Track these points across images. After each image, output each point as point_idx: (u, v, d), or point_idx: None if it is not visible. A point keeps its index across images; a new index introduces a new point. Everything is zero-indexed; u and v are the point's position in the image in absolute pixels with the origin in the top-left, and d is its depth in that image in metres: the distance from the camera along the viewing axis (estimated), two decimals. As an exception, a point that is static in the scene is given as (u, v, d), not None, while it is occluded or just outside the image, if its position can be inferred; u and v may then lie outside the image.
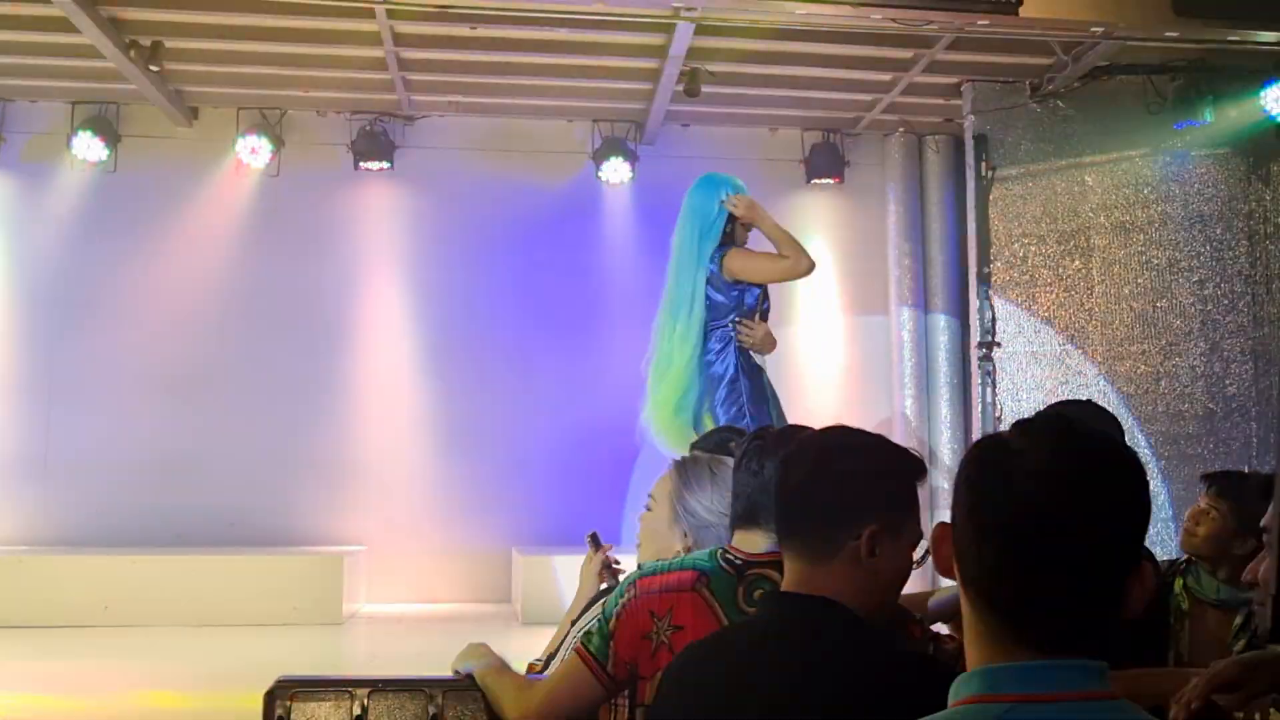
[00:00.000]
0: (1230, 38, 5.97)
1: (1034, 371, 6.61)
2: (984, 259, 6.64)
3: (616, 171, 7.17)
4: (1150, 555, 1.56)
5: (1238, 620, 2.50)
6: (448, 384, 7.21)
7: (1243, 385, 6.58)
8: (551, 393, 7.18)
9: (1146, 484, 1.16)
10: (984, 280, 6.63)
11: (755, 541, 1.88)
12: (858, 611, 1.49)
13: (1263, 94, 6.34)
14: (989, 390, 6.65)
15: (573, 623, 2.41)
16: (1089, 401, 3.13)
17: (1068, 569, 1.09)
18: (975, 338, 6.71)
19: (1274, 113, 6.36)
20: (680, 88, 6.53)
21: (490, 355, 7.24)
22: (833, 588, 1.49)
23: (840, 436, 1.64)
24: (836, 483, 1.54)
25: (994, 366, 6.63)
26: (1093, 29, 5.84)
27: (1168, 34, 5.89)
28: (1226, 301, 6.64)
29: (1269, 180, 6.72)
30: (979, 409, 6.71)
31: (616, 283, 7.26)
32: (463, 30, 6.19)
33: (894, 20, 5.71)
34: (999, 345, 6.63)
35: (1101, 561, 1.10)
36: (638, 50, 6.42)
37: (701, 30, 5.89)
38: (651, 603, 1.86)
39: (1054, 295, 6.63)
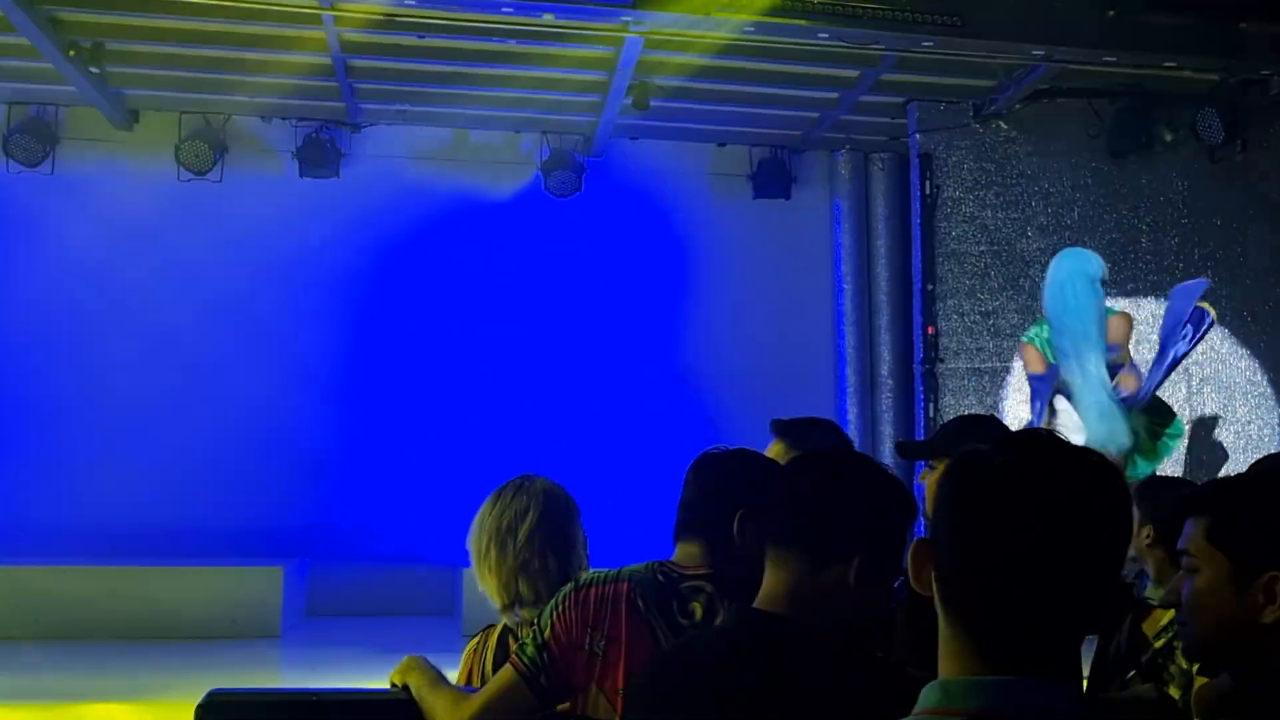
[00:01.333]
0: (1166, 64, 6.13)
1: (976, 387, 6.70)
2: (928, 276, 6.74)
3: (564, 183, 7.17)
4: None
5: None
6: (390, 395, 7.14)
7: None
8: (493, 405, 7.14)
9: (1129, 503, 1.15)
10: (928, 297, 6.72)
11: (692, 554, 1.90)
12: (826, 630, 1.49)
13: (1198, 119, 6.50)
14: (931, 405, 6.74)
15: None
16: (991, 417, 3.15)
17: (1044, 587, 1.07)
18: (918, 353, 6.80)
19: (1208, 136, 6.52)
20: (629, 101, 6.55)
21: (435, 367, 7.19)
22: (813, 604, 1.50)
23: (861, 464, 1.67)
24: (846, 504, 1.55)
25: (937, 382, 6.72)
26: (1033, 53, 5.96)
27: (1105, 59, 6.03)
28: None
29: (1186, 204, 6.86)
30: (922, 424, 6.80)
31: (564, 293, 7.27)
32: (410, 39, 6.16)
33: (841, 40, 5.79)
34: (941, 361, 6.72)
35: (1080, 581, 1.09)
36: (587, 63, 6.42)
37: (650, 44, 5.92)
38: (586, 614, 1.86)
39: (996, 312, 6.74)
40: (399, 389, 7.15)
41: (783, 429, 3.26)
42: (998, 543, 1.07)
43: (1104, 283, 5.22)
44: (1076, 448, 1.14)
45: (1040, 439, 1.15)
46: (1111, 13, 5.89)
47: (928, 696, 1.07)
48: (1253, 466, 1.89)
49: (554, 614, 1.90)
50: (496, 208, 7.38)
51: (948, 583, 1.11)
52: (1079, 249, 5.68)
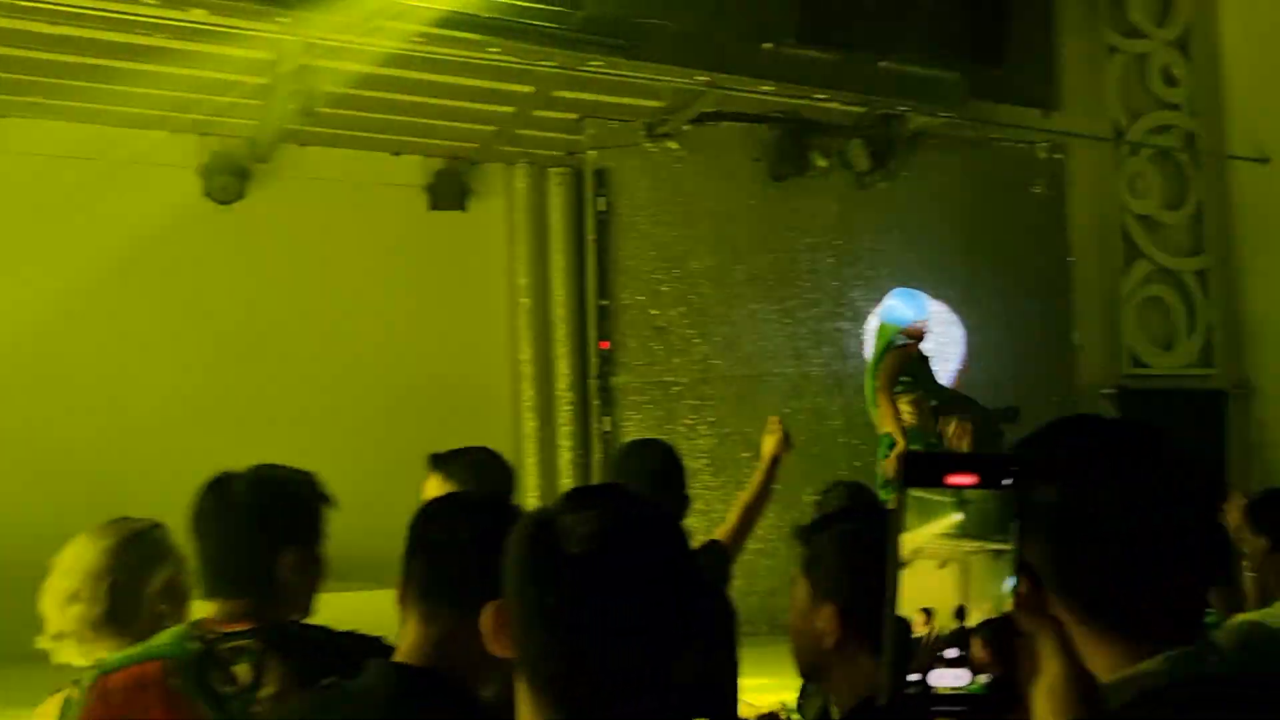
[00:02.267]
0: (817, 96, 6.52)
1: (651, 401, 6.87)
2: (602, 291, 6.83)
3: (226, 189, 6.73)
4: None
5: None
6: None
7: (831, 416, 7.17)
8: (122, 427, 6.58)
9: (690, 550, 1.17)
10: (602, 312, 6.82)
11: (227, 610, 1.72)
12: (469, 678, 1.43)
13: (846, 148, 6.99)
14: (608, 420, 6.84)
15: None
16: (659, 442, 3.22)
17: (621, 643, 1.08)
18: (594, 369, 6.89)
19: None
20: (295, 106, 6.23)
21: (65, 376, 6.54)
22: (463, 655, 1.41)
23: (495, 505, 1.64)
24: (479, 548, 1.45)
25: (612, 397, 6.83)
26: (696, 79, 6.18)
27: (762, 89, 6.33)
28: (818, 336, 7.22)
29: (839, 226, 7.36)
30: (598, 439, 6.89)
31: (224, 303, 6.82)
32: (43, 26, 5.57)
33: (511, 55, 5.75)
34: (616, 375, 6.84)
35: (655, 633, 1.10)
36: (249, 66, 6.04)
37: (318, 50, 5.65)
38: (113, 710, 1.63)
39: (668, 328, 6.93)
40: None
41: (436, 463, 3.16)
42: (567, 600, 1.08)
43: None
44: (642, 498, 1.17)
45: (603, 494, 1.18)
46: (767, 45, 6.21)
47: None
48: None
49: (79, 715, 1.65)
50: (149, 213, 6.80)
51: (520, 641, 1.11)
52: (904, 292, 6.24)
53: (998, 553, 0.83)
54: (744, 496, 3.36)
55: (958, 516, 0.84)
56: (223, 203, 6.81)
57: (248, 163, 6.89)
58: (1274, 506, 3.34)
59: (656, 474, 2.95)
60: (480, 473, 2.75)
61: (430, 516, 1.59)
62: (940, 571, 0.84)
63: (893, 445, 6.42)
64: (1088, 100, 8.16)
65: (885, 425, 6.32)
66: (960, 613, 0.84)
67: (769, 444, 3.43)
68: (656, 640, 1.11)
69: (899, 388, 6.49)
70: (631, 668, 1.09)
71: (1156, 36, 8.39)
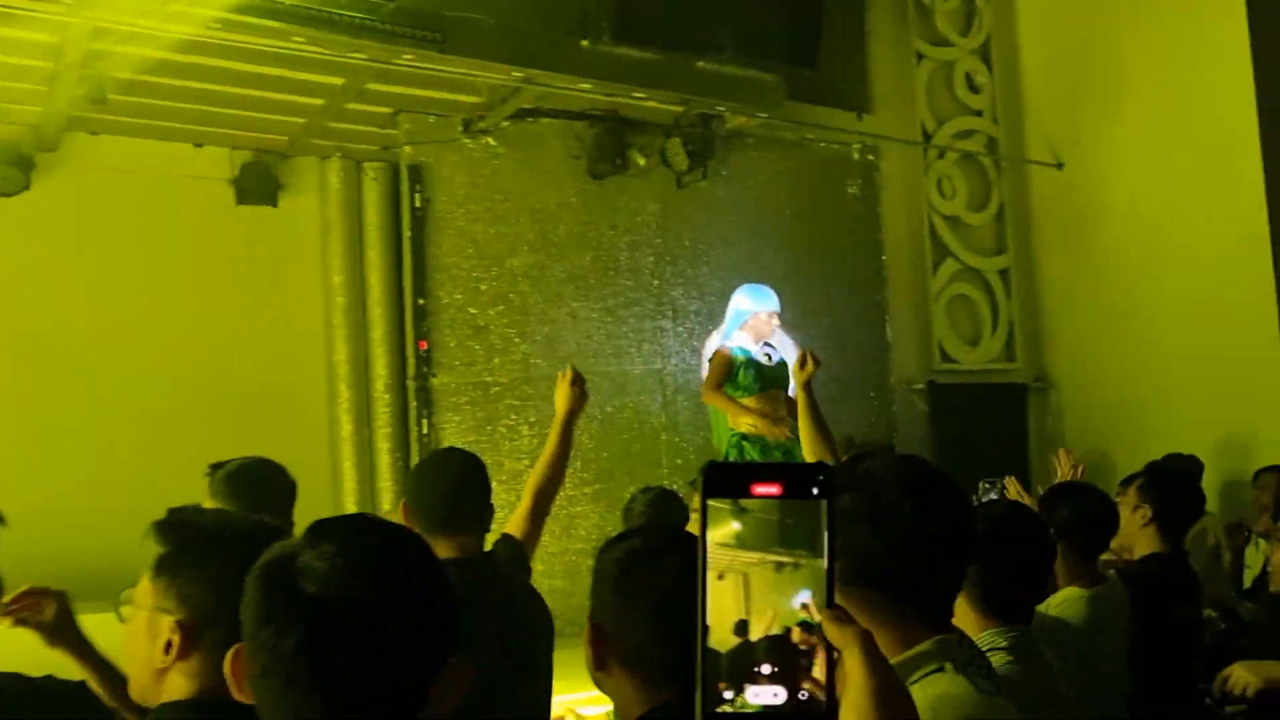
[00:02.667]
0: (635, 94, 6.52)
1: (470, 401, 6.75)
2: (419, 290, 6.67)
3: (7, 179, 6.27)
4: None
5: None
6: None
7: (652, 415, 7.20)
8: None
9: (441, 577, 1.12)
10: (420, 311, 6.66)
11: None
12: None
13: (665, 147, 7.02)
14: (425, 421, 6.69)
15: None
16: (458, 452, 3.12)
17: (368, 674, 1.02)
18: (411, 368, 6.72)
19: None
20: (83, 93, 5.84)
21: None
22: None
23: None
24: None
25: (430, 397, 6.68)
26: (513, 74, 6.09)
27: (580, 86, 6.29)
28: (639, 336, 7.24)
29: (659, 225, 7.39)
30: (417, 441, 6.73)
31: (4, 301, 6.35)
32: None
33: (318, 46, 5.54)
34: (435, 376, 6.69)
35: (402, 674, 1.05)
36: (30, 48, 5.63)
37: (104, 35, 5.31)
38: None
39: (487, 327, 6.82)
40: None
41: (211, 475, 2.99)
42: (309, 636, 1.05)
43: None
44: (385, 524, 1.14)
45: (344, 525, 1.13)
46: (585, 42, 6.17)
47: None
48: None
49: None
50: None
51: (260, 679, 1.08)
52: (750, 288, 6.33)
53: (779, 565, 0.80)
54: (535, 472, 3.22)
55: (735, 526, 0.80)
56: (4, 194, 6.34)
57: (32, 152, 6.44)
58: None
59: (454, 485, 2.86)
60: (253, 488, 2.62)
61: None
62: (719, 584, 0.80)
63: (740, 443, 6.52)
64: (898, 104, 8.45)
65: (737, 424, 6.36)
66: (741, 627, 0.80)
67: (561, 395, 3.32)
68: (404, 679, 1.05)
69: (739, 390, 6.51)
70: (378, 712, 1.04)
71: (961, 45, 8.75)
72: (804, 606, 0.80)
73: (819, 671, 0.79)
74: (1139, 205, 8.03)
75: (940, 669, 1.45)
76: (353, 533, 1.09)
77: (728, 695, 0.79)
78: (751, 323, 6.49)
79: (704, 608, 0.80)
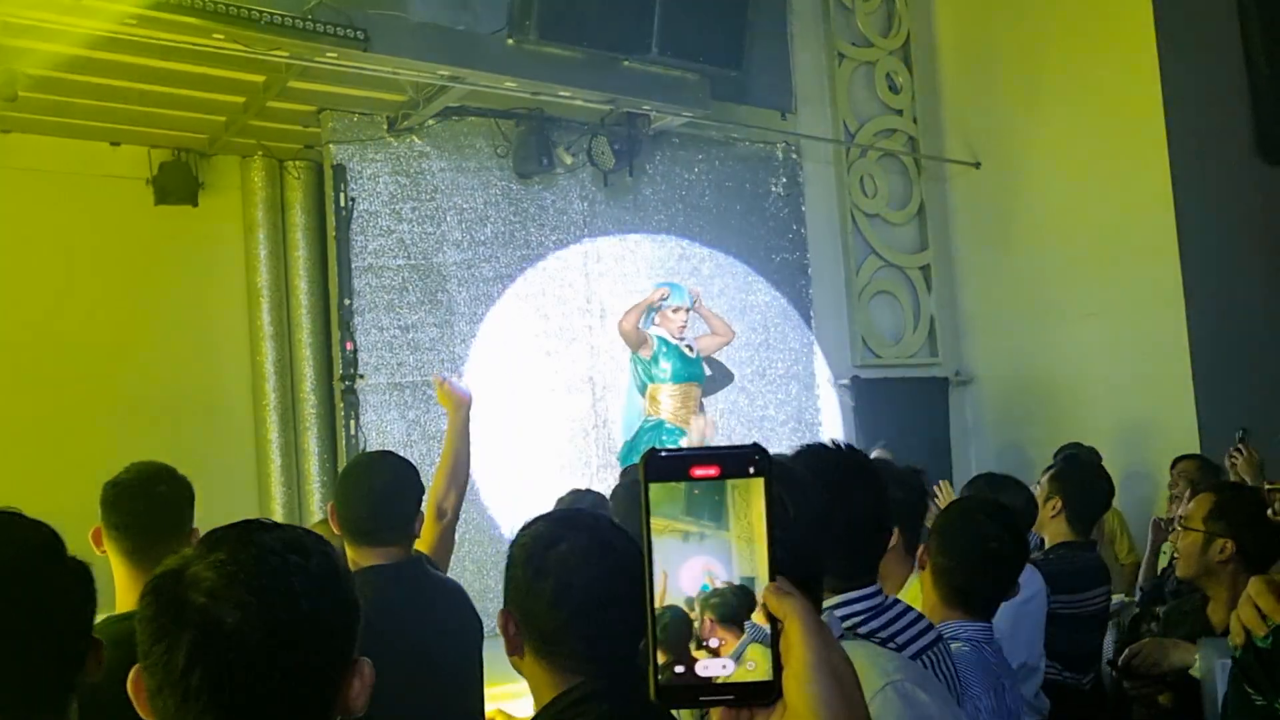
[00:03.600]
0: (561, 94, 6.52)
1: (397, 402, 6.69)
2: (345, 290, 6.60)
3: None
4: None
5: None
6: None
7: (582, 413, 7.22)
8: None
9: (345, 578, 1.09)
10: (345, 311, 6.59)
11: None
12: None
13: (592, 145, 7.05)
14: (353, 423, 6.63)
15: None
16: (388, 456, 3.09)
17: (264, 684, 1.00)
18: (338, 369, 6.65)
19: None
20: (-8, 90, 5.68)
21: None
22: None
23: None
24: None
25: (357, 399, 6.62)
26: (439, 73, 6.05)
27: (506, 85, 6.28)
28: (567, 334, 7.25)
29: (586, 223, 7.42)
30: (344, 442, 6.66)
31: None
32: None
33: (238, 43, 5.46)
34: (362, 377, 6.63)
35: (311, 665, 1.03)
36: (-67, 43, 5.48)
37: (12, 30, 5.17)
38: None
39: (415, 326, 6.77)
40: None
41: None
42: (212, 651, 1.04)
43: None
44: (276, 524, 1.11)
45: (232, 535, 1.09)
46: (510, 40, 6.16)
47: None
48: None
49: None
50: None
51: (162, 700, 1.04)
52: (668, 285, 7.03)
53: (686, 534, 0.82)
54: (433, 486, 3.16)
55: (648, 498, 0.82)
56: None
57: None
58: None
59: (379, 494, 2.80)
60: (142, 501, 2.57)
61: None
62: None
63: (655, 429, 6.67)
64: (821, 104, 8.56)
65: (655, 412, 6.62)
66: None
67: (444, 400, 3.35)
68: (303, 687, 1.03)
69: (657, 379, 6.73)
70: (295, 693, 1.03)
71: (881, 45, 8.90)
72: (709, 575, 0.82)
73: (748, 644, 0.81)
74: (1054, 203, 8.25)
75: (842, 637, 1.55)
76: (245, 540, 1.06)
77: (678, 670, 0.81)
78: (659, 319, 6.66)
79: (652, 586, 0.82)
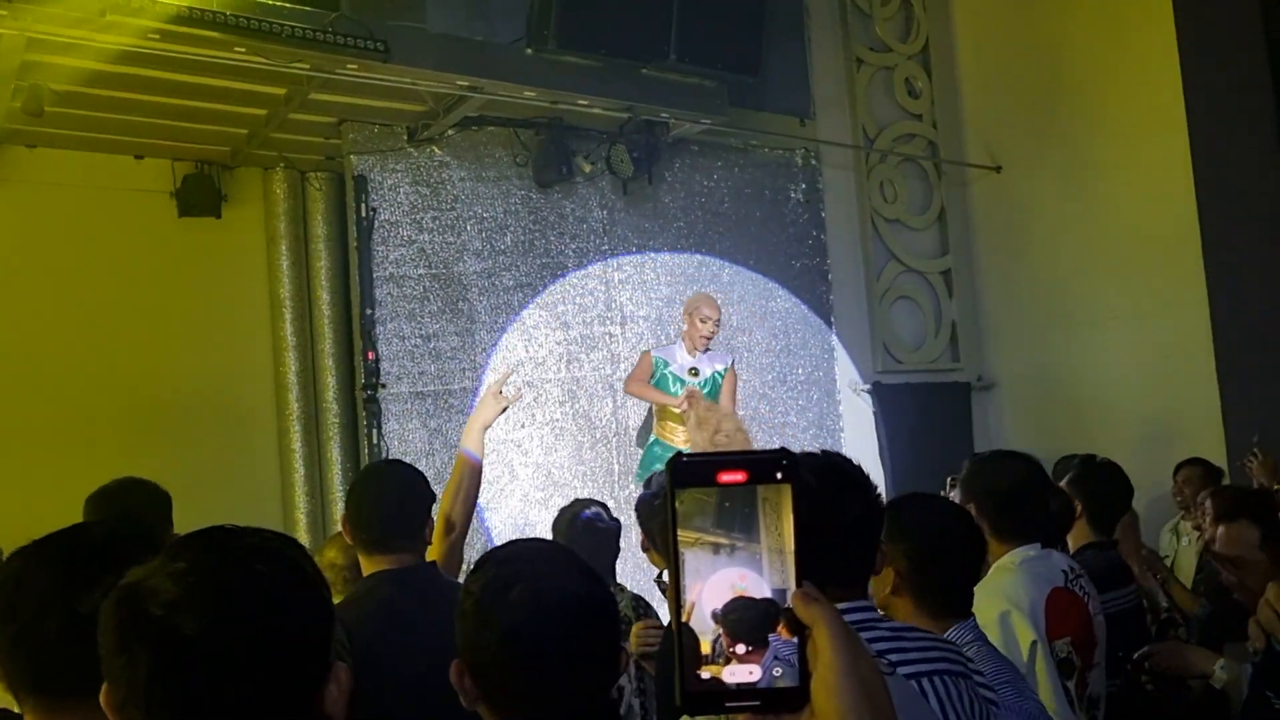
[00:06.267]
0: (580, 102, 6.55)
1: (419, 411, 6.72)
2: (367, 300, 6.64)
3: (-58, 195, 6.17)
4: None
5: None
6: None
7: (603, 421, 7.23)
8: None
9: (314, 584, 1.07)
10: (367, 321, 6.63)
11: None
12: None
13: (610, 153, 7.07)
14: (375, 432, 6.66)
15: None
16: (399, 465, 3.11)
17: (243, 687, 0.99)
18: (360, 379, 6.69)
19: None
20: (18, 105, 5.75)
21: None
22: None
23: None
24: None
25: (379, 408, 6.65)
26: (458, 83, 6.09)
27: (525, 94, 6.31)
28: (588, 342, 7.26)
29: (606, 231, 7.43)
30: (366, 451, 6.69)
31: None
32: None
33: (260, 56, 5.50)
34: (384, 386, 6.66)
35: (278, 673, 1.02)
36: (-40, 60, 5.55)
37: (39, 47, 5.24)
38: None
39: (436, 335, 6.80)
40: None
41: None
42: (173, 661, 1.02)
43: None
44: (243, 531, 1.10)
45: (191, 543, 1.08)
46: (529, 50, 6.19)
47: None
48: None
49: None
50: None
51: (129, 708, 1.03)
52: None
53: (716, 547, 0.81)
54: (443, 498, 3.16)
55: (681, 508, 0.82)
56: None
57: (-33, 166, 6.34)
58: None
59: (389, 503, 2.82)
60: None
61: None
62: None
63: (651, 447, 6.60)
64: (839, 110, 8.56)
65: (661, 432, 6.52)
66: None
67: (491, 409, 3.38)
68: (271, 698, 1.01)
69: (676, 385, 6.61)
70: (264, 699, 1.01)
71: (900, 51, 8.88)
72: (737, 589, 0.81)
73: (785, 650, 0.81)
74: (1076, 205, 8.21)
75: None
76: (209, 548, 1.04)
77: (705, 676, 0.81)
78: (686, 326, 6.56)
79: (679, 591, 0.82)
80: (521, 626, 1.45)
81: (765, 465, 0.82)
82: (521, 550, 1.64)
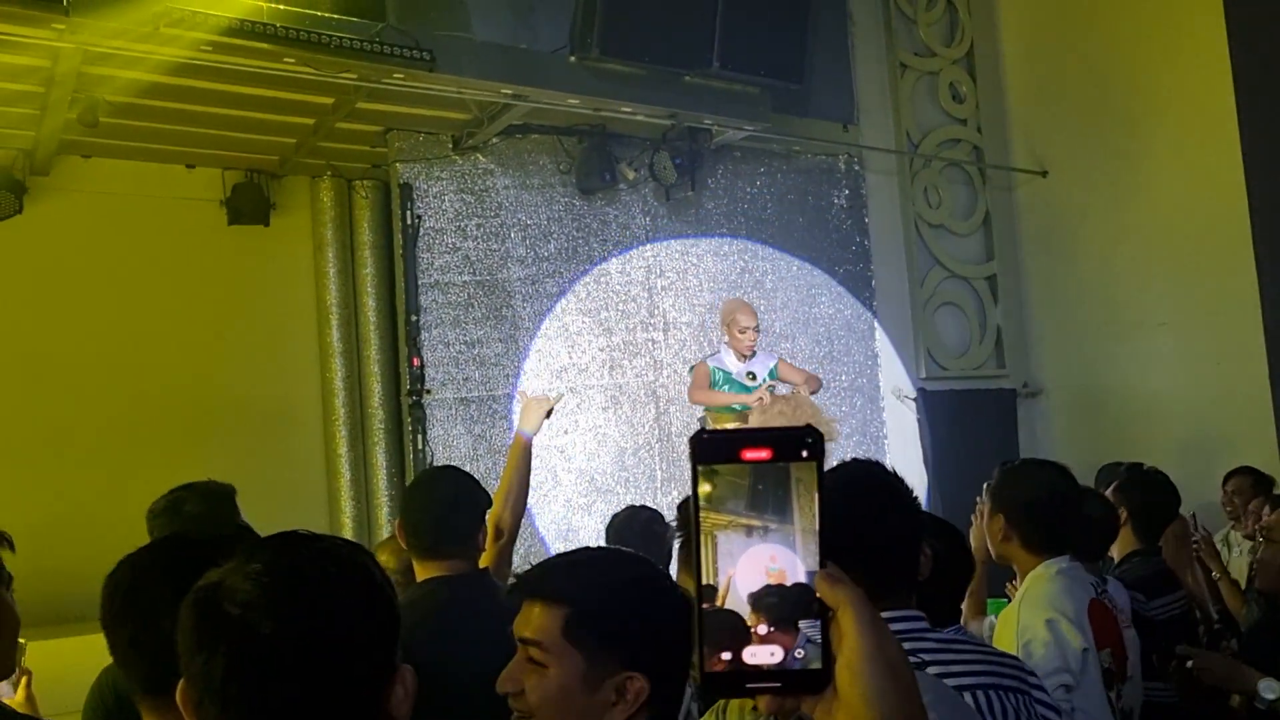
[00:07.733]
0: (623, 110, 6.57)
1: (464, 417, 6.78)
2: (412, 306, 6.71)
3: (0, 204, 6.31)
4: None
5: None
6: None
7: (645, 427, 7.24)
8: None
9: (382, 588, 1.10)
10: (412, 327, 6.69)
11: None
12: None
13: (654, 160, 7.09)
14: (420, 437, 6.72)
15: None
16: (451, 471, 3.14)
17: (314, 688, 1.02)
18: (405, 384, 6.75)
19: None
20: (74, 116, 5.88)
21: None
22: None
23: None
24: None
25: (424, 413, 6.71)
26: (503, 91, 6.14)
27: (569, 102, 6.35)
28: (631, 348, 7.28)
29: (649, 237, 7.44)
30: (412, 458, 6.75)
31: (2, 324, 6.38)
32: None
33: (308, 67, 5.58)
34: (429, 392, 6.72)
35: (348, 675, 1.04)
36: (20, 72, 5.67)
37: (96, 58, 5.35)
38: None
39: (480, 342, 6.85)
40: None
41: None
42: (245, 662, 1.04)
43: None
44: (311, 536, 1.12)
45: (267, 546, 1.10)
46: (572, 58, 6.23)
47: None
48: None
49: None
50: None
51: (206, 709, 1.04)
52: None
53: (749, 529, 0.80)
54: (492, 504, 3.15)
55: (705, 488, 0.80)
56: (-2, 218, 6.38)
57: (24, 175, 6.48)
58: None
59: (442, 508, 2.86)
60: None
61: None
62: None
63: None
64: (883, 115, 8.52)
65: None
66: (710, 590, 0.80)
67: (536, 416, 3.40)
68: (341, 697, 1.03)
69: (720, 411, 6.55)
70: (325, 709, 1.03)
71: (944, 55, 8.83)
72: (770, 571, 0.80)
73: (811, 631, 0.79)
74: (1123, 209, 8.11)
75: None
76: (282, 550, 1.07)
77: (725, 657, 0.79)
78: (728, 337, 6.49)
79: (699, 570, 0.80)
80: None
81: (791, 442, 0.80)
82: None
